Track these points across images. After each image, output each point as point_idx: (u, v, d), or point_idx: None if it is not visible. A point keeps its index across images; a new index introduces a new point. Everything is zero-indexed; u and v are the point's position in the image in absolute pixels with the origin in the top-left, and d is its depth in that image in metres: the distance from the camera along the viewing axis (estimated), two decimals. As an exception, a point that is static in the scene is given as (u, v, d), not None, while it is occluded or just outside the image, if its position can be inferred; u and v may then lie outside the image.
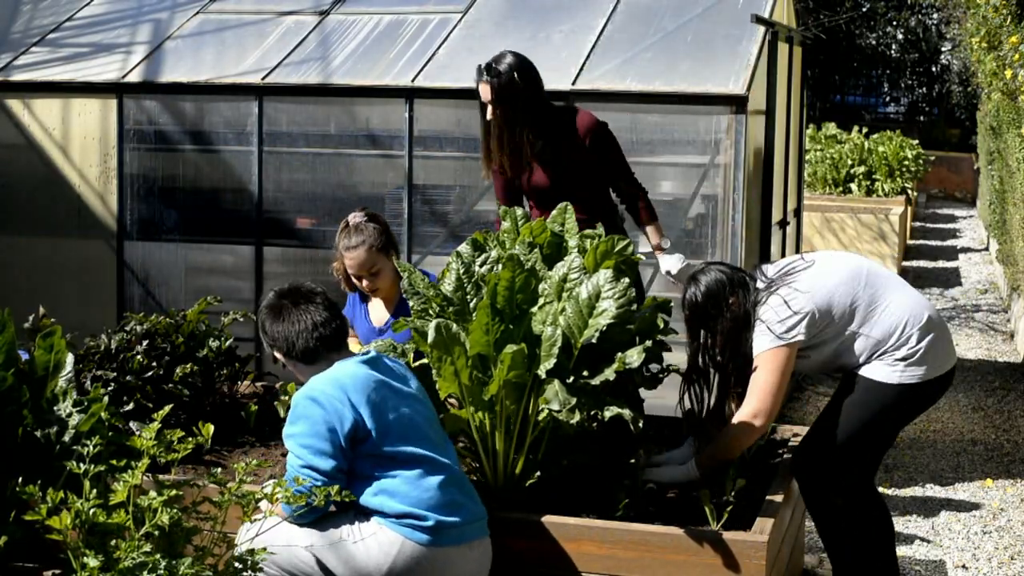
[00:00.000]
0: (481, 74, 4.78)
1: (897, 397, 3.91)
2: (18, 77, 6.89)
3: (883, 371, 3.91)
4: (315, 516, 3.36)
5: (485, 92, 4.78)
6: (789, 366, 3.87)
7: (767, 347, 3.86)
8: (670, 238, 5.00)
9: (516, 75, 4.75)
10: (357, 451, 3.34)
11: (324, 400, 3.32)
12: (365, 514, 3.37)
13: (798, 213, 7.84)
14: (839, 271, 3.97)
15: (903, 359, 3.89)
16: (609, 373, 3.64)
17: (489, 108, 4.78)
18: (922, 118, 27.20)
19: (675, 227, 6.03)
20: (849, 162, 14.96)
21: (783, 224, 7.10)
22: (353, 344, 4.89)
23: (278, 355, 3.55)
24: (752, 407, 3.84)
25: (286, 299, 3.52)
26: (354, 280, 4.73)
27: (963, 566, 4.95)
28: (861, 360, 3.93)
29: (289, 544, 3.35)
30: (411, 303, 3.81)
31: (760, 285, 3.99)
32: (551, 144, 4.83)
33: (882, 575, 4.08)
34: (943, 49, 25.54)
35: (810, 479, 4.03)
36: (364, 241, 4.61)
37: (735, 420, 3.88)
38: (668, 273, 4.82)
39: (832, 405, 4.01)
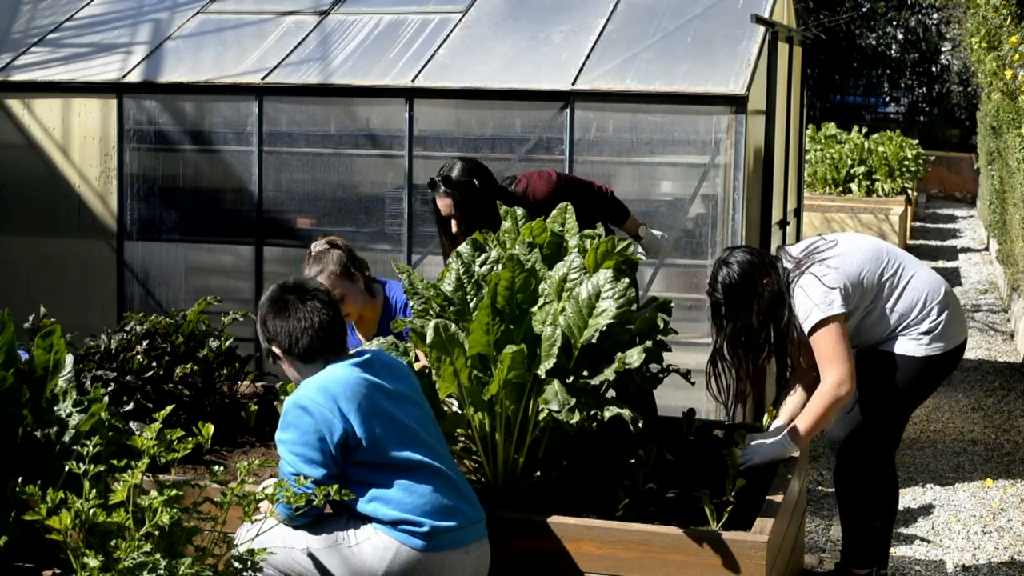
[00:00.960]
0: (437, 187, 4.71)
1: (924, 369, 4.21)
2: (18, 77, 6.89)
3: (908, 346, 4.20)
4: (309, 519, 3.34)
5: (447, 207, 4.71)
6: (845, 332, 4.08)
7: (816, 321, 4.06)
8: (669, 238, 5.01)
9: (475, 181, 4.70)
10: (349, 458, 3.31)
11: (313, 408, 3.27)
12: (361, 518, 3.35)
13: (798, 213, 7.84)
14: (864, 248, 4.22)
15: (926, 332, 4.18)
16: (609, 373, 3.64)
17: (453, 222, 4.72)
18: (922, 118, 27.20)
19: (675, 227, 6.03)
20: (849, 162, 14.97)
21: (783, 224, 7.10)
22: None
23: (276, 350, 3.47)
24: (834, 378, 4.03)
25: (291, 294, 3.43)
26: None
27: (963, 566, 4.96)
28: (886, 335, 4.21)
29: (285, 546, 3.34)
30: (411, 303, 3.81)
31: (788, 265, 4.20)
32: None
33: (882, 546, 4.42)
34: (943, 49, 25.56)
35: (848, 454, 4.33)
36: (323, 269, 4.54)
37: (822, 394, 4.05)
38: (652, 239, 4.99)
39: (862, 384, 4.21)
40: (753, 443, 4.13)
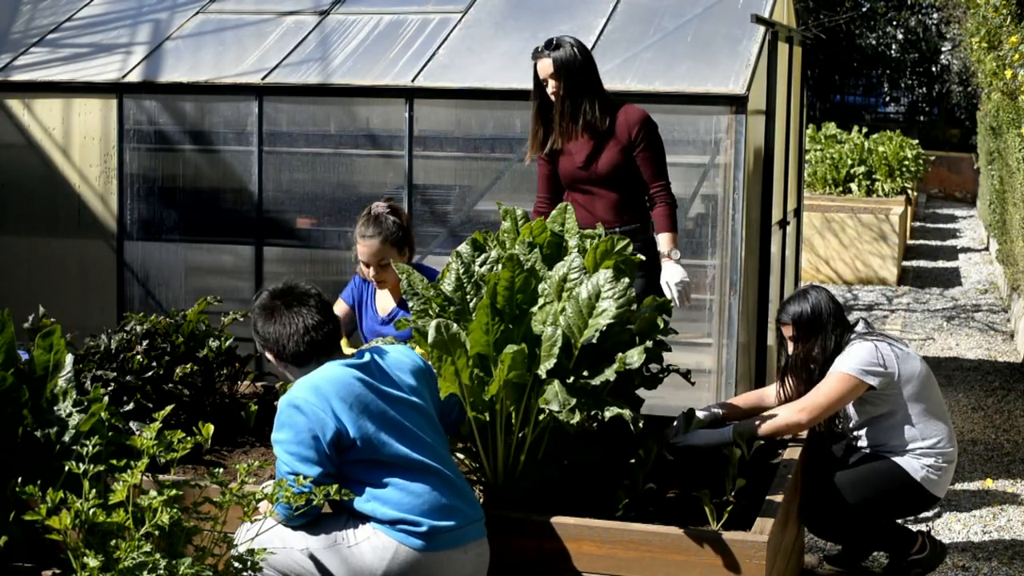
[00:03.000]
0: (539, 53, 4.86)
1: (914, 491, 4.48)
2: (18, 77, 6.89)
3: (913, 465, 4.46)
4: (307, 519, 3.35)
5: (545, 67, 4.84)
6: (849, 396, 4.40)
7: (843, 370, 4.37)
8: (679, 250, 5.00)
9: (575, 50, 4.87)
10: (344, 457, 3.32)
11: (306, 408, 3.29)
12: (359, 518, 3.36)
13: (798, 213, 7.84)
14: (923, 366, 4.55)
15: (930, 467, 4.47)
16: (609, 373, 3.64)
17: (550, 83, 4.84)
18: (922, 118, 27.20)
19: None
20: (849, 162, 14.96)
21: (783, 224, 7.09)
22: (344, 348, 4.92)
23: (268, 355, 3.53)
24: (805, 405, 4.35)
25: (279, 300, 3.48)
26: (364, 267, 4.79)
27: (963, 566, 4.96)
28: (894, 447, 4.49)
29: (284, 547, 3.34)
30: (411, 304, 3.81)
31: (861, 328, 4.57)
32: (607, 127, 4.90)
33: (895, 538, 4.66)
34: (943, 49, 25.56)
35: (824, 529, 4.62)
36: (380, 232, 4.70)
37: (785, 409, 4.38)
38: (666, 283, 4.88)
39: (858, 471, 4.50)
40: (693, 433, 4.34)
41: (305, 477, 3.24)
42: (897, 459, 4.47)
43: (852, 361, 4.38)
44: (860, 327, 4.57)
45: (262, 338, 3.50)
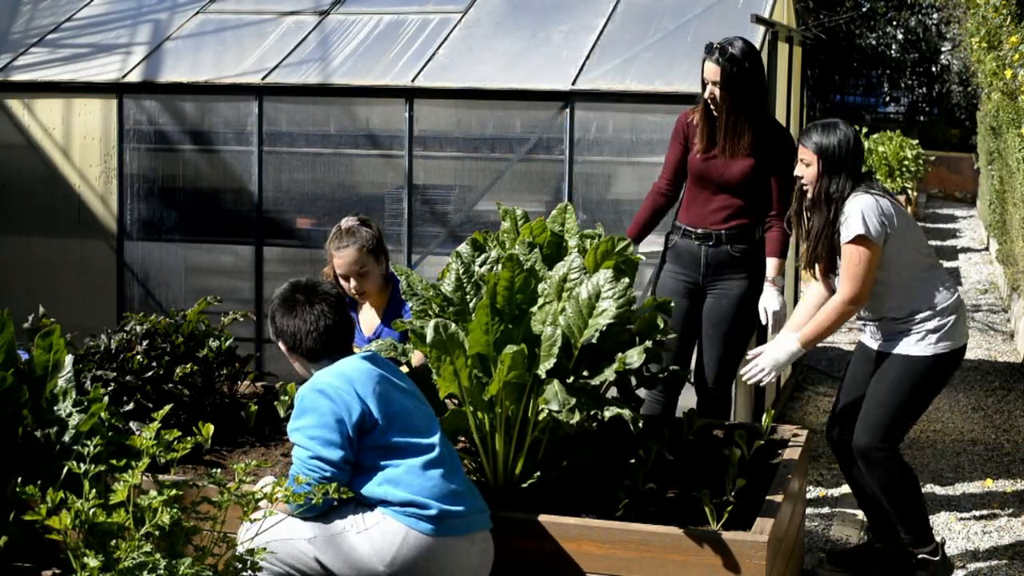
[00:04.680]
0: (713, 53, 4.79)
1: (932, 368, 4.42)
2: (18, 77, 6.89)
3: (918, 347, 4.41)
4: (319, 511, 3.39)
5: (713, 72, 4.78)
6: (874, 261, 4.32)
7: (855, 235, 4.29)
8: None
9: (747, 63, 4.79)
10: (362, 443, 3.38)
11: (332, 392, 3.37)
12: (368, 505, 3.40)
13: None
14: (906, 215, 4.49)
15: (934, 331, 4.39)
16: (609, 373, 3.64)
17: (709, 87, 4.81)
18: (922, 118, 27.18)
19: (675, 227, 6.03)
20: (849, 162, 14.93)
21: (783, 224, 7.09)
22: None
23: (281, 346, 3.61)
24: (846, 295, 4.33)
25: (301, 294, 3.57)
26: (342, 282, 4.70)
27: (963, 566, 4.96)
28: (900, 329, 4.42)
29: (291, 537, 3.36)
30: (410, 304, 3.81)
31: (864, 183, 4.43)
32: (761, 143, 4.89)
33: (919, 518, 4.61)
34: (943, 49, 25.55)
35: (871, 453, 4.50)
36: (355, 241, 4.62)
37: (833, 305, 4.37)
38: (764, 309, 4.96)
39: (877, 387, 4.47)
40: (760, 353, 4.41)
41: (326, 461, 3.31)
42: (906, 351, 4.41)
43: (856, 222, 4.29)
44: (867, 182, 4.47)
45: (278, 329, 3.59)
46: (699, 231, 4.95)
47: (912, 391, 4.45)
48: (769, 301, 4.94)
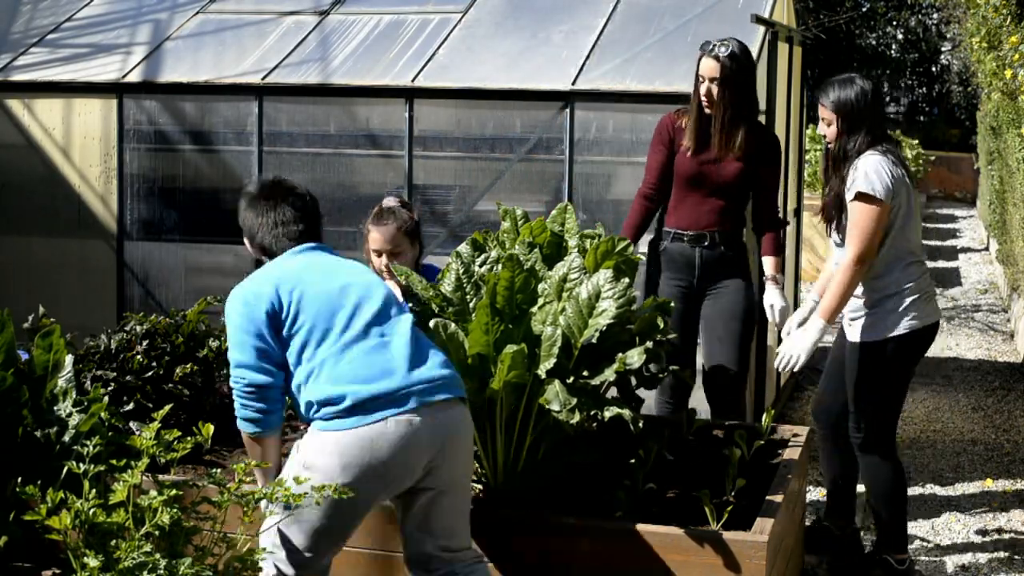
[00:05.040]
0: (711, 50, 4.80)
1: (912, 340, 4.41)
2: (18, 77, 6.89)
3: (896, 324, 4.39)
4: (267, 423, 3.33)
5: (711, 69, 4.78)
6: (881, 219, 4.29)
7: (859, 191, 4.27)
8: None
9: (744, 60, 4.83)
10: (286, 343, 3.32)
11: (250, 296, 3.39)
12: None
13: (798, 213, 7.84)
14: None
15: (911, 311, 4.38)
16: (609, 373, 3.64)
17: (706, 83, 4.81)
18: (922, 118, 27.17)
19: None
20: (849, 162, 14.93)
21: (783, 224, 7.09)
22: None
23: (246, 241, 3.63)
24: (853, 254, 4.30)
25: (264, 191, 3.58)
26: (373, 258, 4.71)
27: (963, 566, 4.95)
28: (875, 310, 4.41)
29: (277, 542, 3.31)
30: (410, 305, 3.81)
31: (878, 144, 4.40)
32: (751, 143, 4.89)
33: (899, 523, 4.62)
34: (943, 49, 25.54)
35: (863, 448, 4.57)
36: (395, 220, 4.63)
37: (842, 268, 4.34)
38: (770, 306, 4.98)
39: (847, 379, 4.50)
40: (787, 340, 4.44)
41: (242, 367, 3.31)
42: (879, 333, 4.40)
43: (863, 179, 4.28)
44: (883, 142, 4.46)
45: (240, 221, 3.61)
46: (691, 233, 4.92)
47: (873, 379, 4.45)
48: (773, 298, 4.95)
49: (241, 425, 3.38)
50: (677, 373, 4.38)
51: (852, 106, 4.38)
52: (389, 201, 4.79)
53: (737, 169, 4.88)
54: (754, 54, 5.95)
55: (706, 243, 4.92)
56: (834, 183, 4.44)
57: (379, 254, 4.70)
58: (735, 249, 4.97)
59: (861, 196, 4.27)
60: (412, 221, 4.72)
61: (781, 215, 5.12)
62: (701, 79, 4.83)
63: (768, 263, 5.00)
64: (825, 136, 4.50)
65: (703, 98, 4.83)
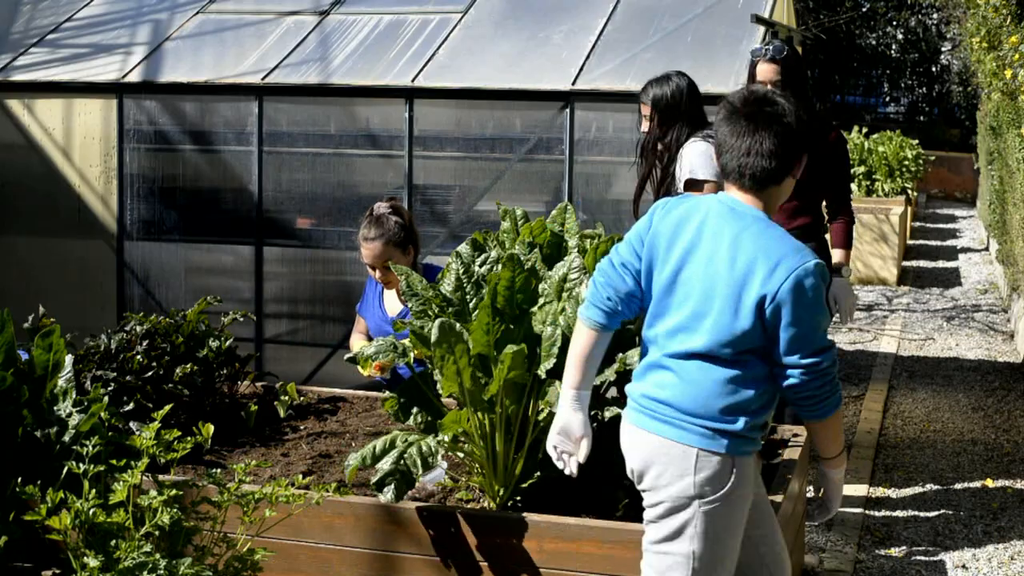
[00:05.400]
0: (765, 53, 4.93)
1: None
2: (18, 77, 6.89)
3: None
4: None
5: (769, 72, 4.90)
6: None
7: (684, 179, 4.55)
8: None
9: (797, 59, 5.00)
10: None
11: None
12: None
13: (798, 213, 7.84)
14: None
15: None
16: (609, 373, 3.64)
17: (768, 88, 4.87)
18: (922, 118, 27.19)
19: (675, 227, 6.03)
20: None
21: (783, 224, 7.10)
22: (360, 340, 4.94)
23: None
24: None
25: (749, 108, 3.06)
26: (369, 270, 4.83)
27: (963, 566, 4.95)
28: None
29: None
30: (410, 304, 3.81)
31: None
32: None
33: None
34: (943, 49, 25.56)
35: None
36: (382, 235, 4.73)
37: None
38: (834, 298, 5.05)
39: None
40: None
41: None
42: None
43: (691, 168, 4.55)
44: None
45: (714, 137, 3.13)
46: None
47: None
48: (839, 291, 5.01)
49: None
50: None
51: (667, 101, 4.71)
52: (380, 207, 4.82)
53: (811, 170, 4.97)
54: (754, 54, 5.97)
55: None
56: (641, 171, 4.77)
57: (373, 268, 4.80)
58: (812, 248, 4.98)
59: (690, 184, 4.50)
60: (401, 230, 4.75)
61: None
62: (761, 84, 4.89)
63: (835, 255, 5.11)
64: (646, 131, 4.79)
65: None
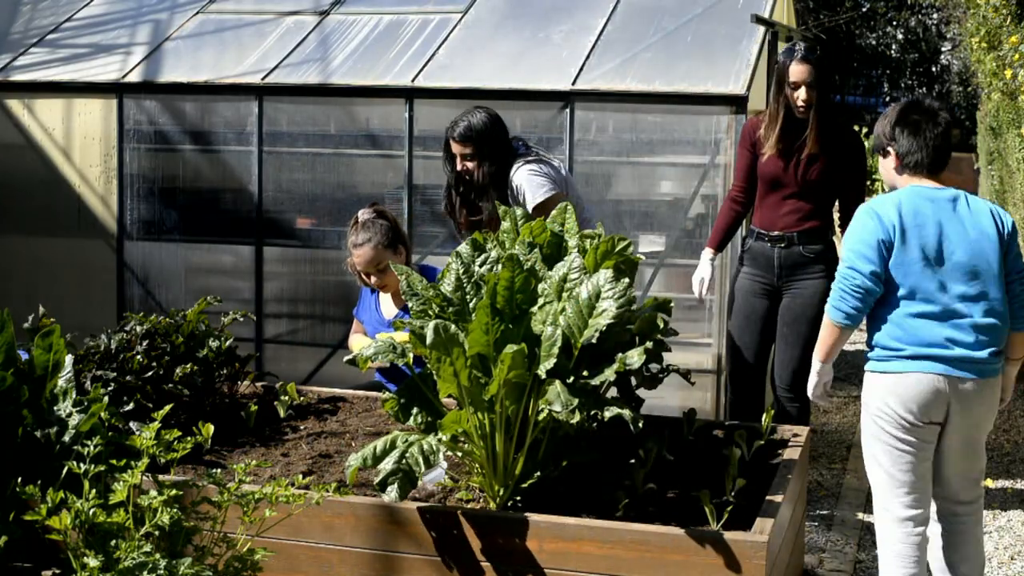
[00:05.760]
0: (798, 54, 4.95)
1: None
2: (18, 77, 6.89)
3: None
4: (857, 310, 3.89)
5: (802, 72, 4.93)
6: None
7: (534, 206, 4.85)
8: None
9: (827, 60, 5.03)
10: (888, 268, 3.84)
11: (882, 215, 3.86)
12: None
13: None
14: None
15: None
16: (609, 373, 3.63)
17: (803, 89, 4.94)
18: (922, 118, 27.13)
19: (675, 227, 6.03)
20: (849, 162, 14.91)
21: (783, 224, 7.09)
22: (360, 339, 4.93)
23: (890, 150, 4.04)
24: None
25: (921, 115, 4.05)
26: (364, 276, 4.82)
27: (963, 566, 4.95)
28: None
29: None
30: (410, 304, 3.80)
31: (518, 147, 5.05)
32: (829, 145, 5.05)
33: None
34: (943, 49, 25.55)
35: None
36: (370, 239, 4.72)
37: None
38: None
39: None
40: None
41: (857, 271, 3.82)
42: None
43: (537, 190, 4.88)
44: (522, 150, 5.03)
45: (894, 137, 4.03)
46: (772, 233, 5.10)
47: None
48: None
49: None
50: (681, 371, 4.37)
51: (482, 134, 4.96)
52: (364, 214, 4.82)
53: (819, 170, 5.02)
54: (753, 54, 5.97)
55: (783, 244, 5.07)
56: (488, 208, 4.97)
57: (367, 275, 4.79)
58: (817, 250, 5.08)
59: (538, 208, 4.73)
60: (389, 232, 4.75)
61: None
62: (794, 85, 4.93)
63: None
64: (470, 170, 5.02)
65: (800, 103, 4.94)
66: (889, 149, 4.04)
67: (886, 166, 4.10)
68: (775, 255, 5.09)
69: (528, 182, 4.96)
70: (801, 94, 4.92)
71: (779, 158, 5.02)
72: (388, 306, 4.94)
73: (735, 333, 5.26)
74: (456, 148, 5.05)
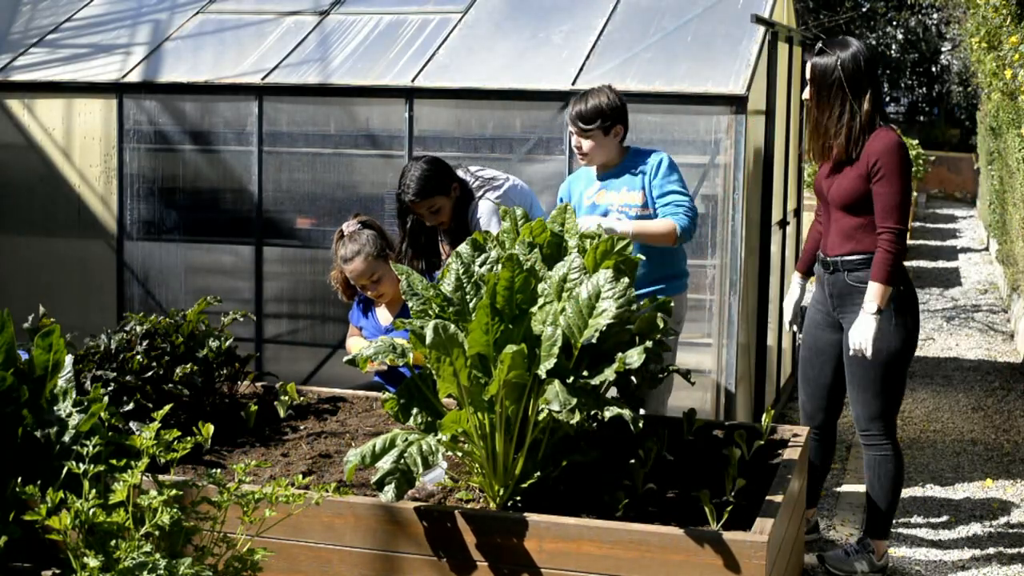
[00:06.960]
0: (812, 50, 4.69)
1: None
2: (18, 77, 6.90)
3: None
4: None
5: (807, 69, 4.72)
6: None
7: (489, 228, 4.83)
8: None
9: (852, 57, 4.60)
10: None
11: None
12: None
13: (798, 213, 7.84)
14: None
15: None
16: (609, 373, 3.64)
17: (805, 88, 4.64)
18: (922, 118, 27.18)
19: (675, 227, 6.02)
20: (849, 162, 14.93)
21: (783, 224, 7.09)
22: (358, 342, 4.93)
23: None
24: None
25: None
26: (359, 288, 4.79)
27: (963, 566, 4.95)
28: None
29: None
30: (410, 304, 3.81)
31: (469, 179, 5.04)
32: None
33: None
34: (943, 49, 25.55)
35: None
36: (360, 251, 4.68)
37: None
38: (851, 337, 4.50)
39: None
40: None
41: None
42: None
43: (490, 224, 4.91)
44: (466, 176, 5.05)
45: None
46: (825, 258, 4.67)
47: None
48: (855, 332, 4.46)
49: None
50: (681, 371, 4.37)
51: (434, 185, 4.89)
52: (349, 226, 4.80)
53: (848, 184, 4.51)
54: (753, 54, 5.97)
55: (830, 270, 4.63)
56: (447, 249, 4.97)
57: (364, 288, 4.76)
58: (864, 279, 4.49)
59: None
60: (376, 240, 4.74)
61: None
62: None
63: (868, 290, 4.46)
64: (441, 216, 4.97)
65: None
66: None
67: None
68: (825, 282, 4.66)
69: (491, 216, 4.91)
70: (805, 94, 4.82)
71: (827, 172, 4.61)
72: (383, 315, 4.92)
73: (800, 367, 4.90)
74: (420, 209, 4.86)
